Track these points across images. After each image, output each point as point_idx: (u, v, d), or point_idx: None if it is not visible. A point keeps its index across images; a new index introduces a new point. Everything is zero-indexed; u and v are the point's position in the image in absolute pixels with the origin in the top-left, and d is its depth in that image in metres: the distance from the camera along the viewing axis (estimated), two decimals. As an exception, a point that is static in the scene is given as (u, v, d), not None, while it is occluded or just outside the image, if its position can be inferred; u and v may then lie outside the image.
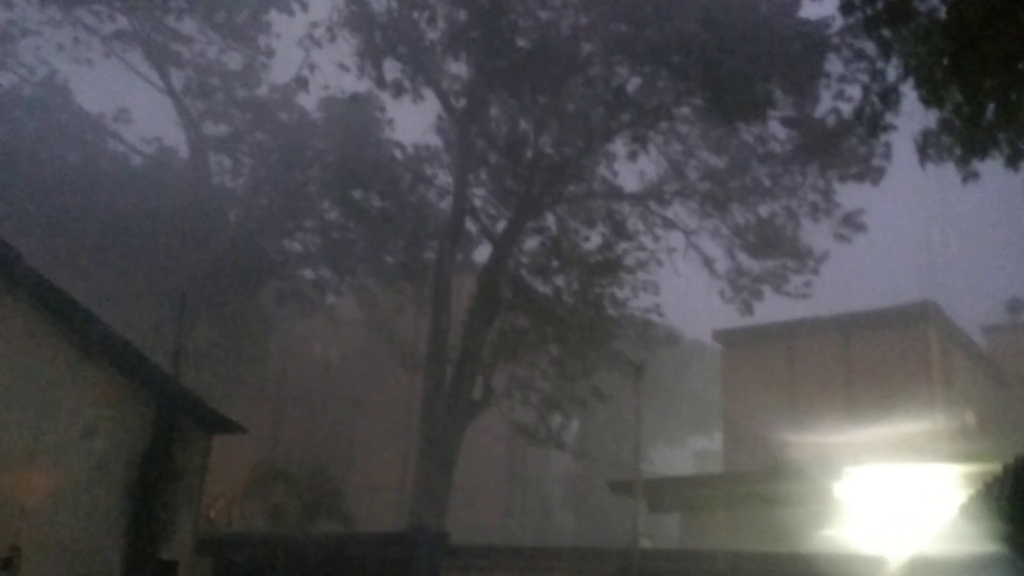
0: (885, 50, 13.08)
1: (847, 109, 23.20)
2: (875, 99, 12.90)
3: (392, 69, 26.55)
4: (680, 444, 47.16)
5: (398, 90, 26.57)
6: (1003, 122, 12.05)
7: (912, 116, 13.47)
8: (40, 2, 25.82)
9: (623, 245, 27.09)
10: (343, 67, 26.63)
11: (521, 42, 25.24)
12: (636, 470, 20.56)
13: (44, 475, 10.99)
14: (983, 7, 11.20)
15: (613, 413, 32.32)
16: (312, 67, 26.55)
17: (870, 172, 25.42)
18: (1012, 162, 12.36)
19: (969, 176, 12.82)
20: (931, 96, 11.80)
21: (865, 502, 17.76)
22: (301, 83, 26.98)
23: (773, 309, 29.04)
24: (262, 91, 28.69)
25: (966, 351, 27.70)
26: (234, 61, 28.06)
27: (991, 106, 11.97)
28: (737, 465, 25.86)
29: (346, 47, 26.63)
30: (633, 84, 25.69)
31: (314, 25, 26.33)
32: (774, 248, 27.43)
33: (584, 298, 26.21)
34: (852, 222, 26.75)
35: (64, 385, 11.41)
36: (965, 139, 12.31)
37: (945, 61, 11.81)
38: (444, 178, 28.39)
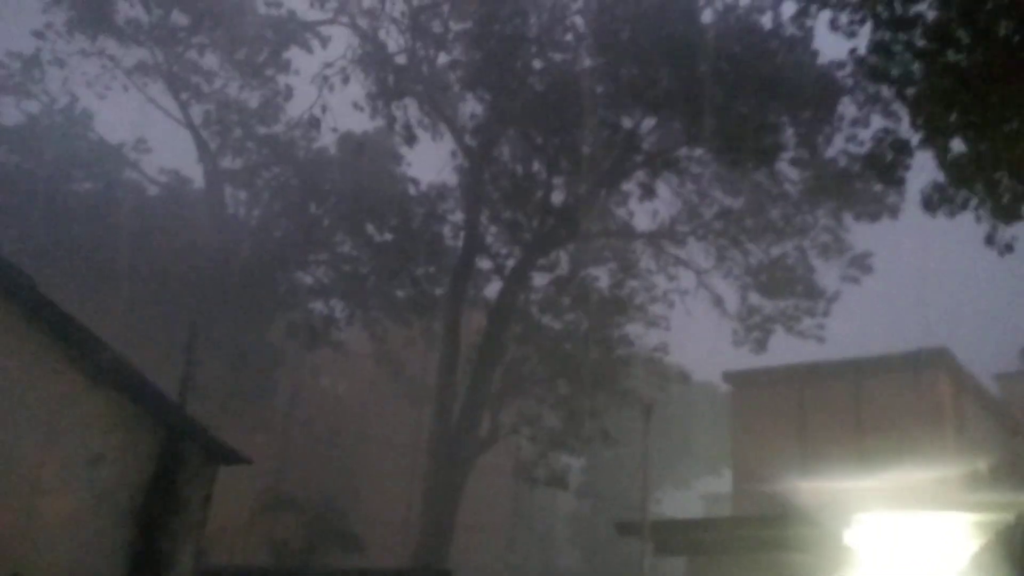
0: (899, 95, 13.18)
1: (860, 152, 23.32)
2: (888, 149, 12.99)
3: (406, 108, 26.94)
4: (689, 486, 46.78)
5: (409, 134, 26.84)
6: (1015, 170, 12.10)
7: (924, 164, 13.61)
8: (68, 32, 26.25)
9: (633, 283, 27.15)
10: (357, 107, 26.96)
11: (535, 84, 25.45)
12: (643, 511, 20.37)
13: (48, 501, 10.97)
14: (1003, 58, 11.26)
15: (621, 452, 32.11)
16: (324, 108, 26.91)
17: (885, 209, 25.42)
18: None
19: (1005, 249, 12.92)
20: (939, 145, 11.89)
21: (875, 550, 17.54)
22: (313, 123, 27.27)
23: (784, 352, 28.97)
24: (280, 127, 29.02)
25: (978, 398, 27.45)
26: (253, 97, 28.42)
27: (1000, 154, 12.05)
28: (746, 509, 25.56)
29: (360, 87, 27.11)
30: (646, 126, 25.88)
31: (328, 65, 26.71)
32: (786, 288, 27.47)
33: (593, 336, 26.20)
34: (860, 264, 26.84)
35: (72, 412, 11.42)
36: (979, 191, 12.38)
37: (953, 115, 11.89)
38: (457, 214, 28.58)
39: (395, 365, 29.05)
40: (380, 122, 27.34)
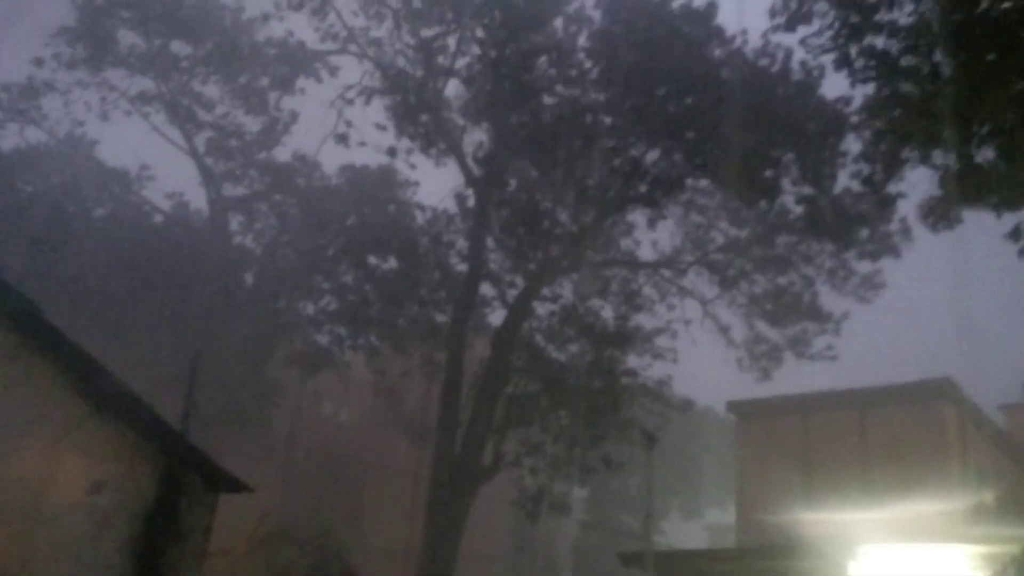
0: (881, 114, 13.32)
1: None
2: (879, 168, 13.13)
3: (424, 130, 27.10)
4: (695, 516, 46.54)
5: (439, 152, 26.94)
6: (999, 167, 12.19)
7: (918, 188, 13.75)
8: (70, 63, 26.50)
9: (637, 317, 27.17)
10: (380, 126, 27.16)
11: (541, 114, 25.58)
12: (647, 541, 20.25)
13: (49, 528, 10.92)
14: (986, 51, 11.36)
15: (625, 482, 31.95)
16: (349, 123, 27.11)
17: (888, 249, 25.46)
18: (1006, 206, 12.55)
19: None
20: (923, 143, 12.00)
21: (880, 582, 17.40)
22: (340, 139, 27.33)
23: (789, 381, 28.86)
24: (283, 153, 29.21)
25: (984, 429, 27.27)
26: (255, 123, 28.62)
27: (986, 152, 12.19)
28: (750, 540, 25.37)
29: (375, 109, 27.40)
30: (650, 157, 25.99)
31: (348, 87, 26.95)
32: (793, 314, 27.40)
33: (598, 367, 26.11)
34: (871, 283, 26.73)
35: (73, 439, 11.39)
36: (962, 188, 12.49)
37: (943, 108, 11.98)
38: (461, 241, 28.59)
39: (393, 398, 28.81)
40: (404, 141, 27.55)
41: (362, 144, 28.01)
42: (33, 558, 10.57)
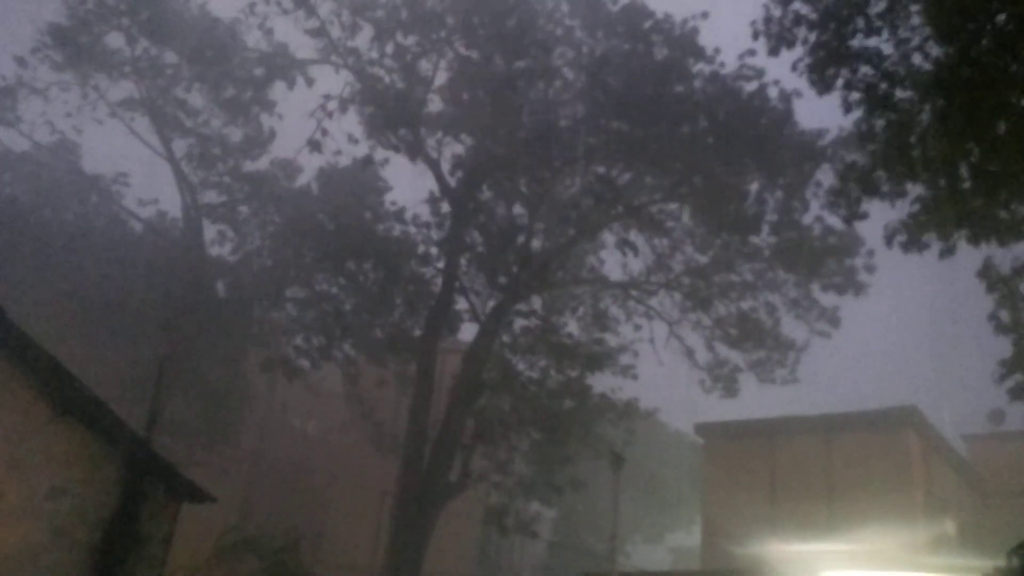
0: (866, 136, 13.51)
1: (836, 223, 23.72)
2: (852, 185, 13.32)
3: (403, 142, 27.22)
4: (660, 540, 46.60)
5: (413, 153, 26.96)
6: (983, 190, 12.39)
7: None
8: (53, 65, 26.20)
9: (606, 333, 27.32)
10: (352, 139, 27.23)
11: (521, 130, 25.67)
12: (612, 563, 20.27)
13: (5, 533, 10.76)
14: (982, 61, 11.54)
15: (593, 504, 31.95)
16: (325, 131, 27.08)
17: (852, 285, 25.92)
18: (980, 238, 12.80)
19: (946, 252, 13.33)
20: (909, 171, 12.19)
21: (841, 608, 17.49)
22: (314, 146, 27.28)
23: (756, 406, 29.07)
24: (263, 163, 29.02)
25: (947, 458, 27.61)
26: (236, 133, 28.41)
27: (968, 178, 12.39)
28: (714, 562, 25.44)
29: (352, 119, 27.49)
30: (623, 179, 26.20)
31: (327, 97, 26.94)
32: (754, 340, 27.70)
33: (568, 388, 26.16)
34: (829, 317, 27.16)
35: (35, 442, 11.25)
36: (942, 215, 12.71)
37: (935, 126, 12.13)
38: (435, 251, 28.52)
39: (365, 407, 28.64)
40: (379, 153, 27.61)
41: (338, 153, 28.17)
42: (-12, 563, 10.41)
